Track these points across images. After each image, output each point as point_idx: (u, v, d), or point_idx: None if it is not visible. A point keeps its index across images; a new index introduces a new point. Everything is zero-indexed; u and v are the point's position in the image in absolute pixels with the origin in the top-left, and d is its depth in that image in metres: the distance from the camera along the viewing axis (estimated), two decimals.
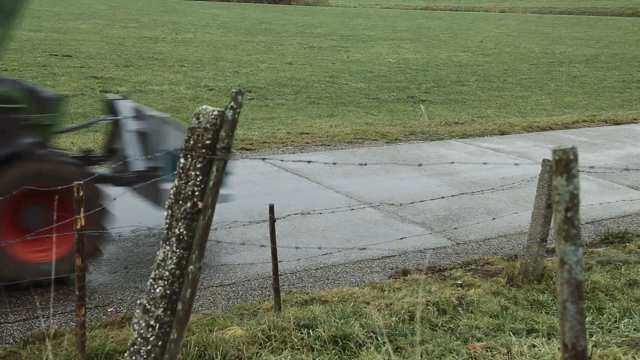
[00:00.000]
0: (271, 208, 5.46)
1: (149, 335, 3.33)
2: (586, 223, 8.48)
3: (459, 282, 6.34)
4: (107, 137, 7.70)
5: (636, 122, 15.27)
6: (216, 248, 7.12)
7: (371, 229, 7.98)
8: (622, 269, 6.67)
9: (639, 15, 61.77)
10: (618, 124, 15.16)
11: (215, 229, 7.17)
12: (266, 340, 4.91)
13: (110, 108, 7.47)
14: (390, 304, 5.63)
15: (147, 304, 3.37)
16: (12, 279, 5.71)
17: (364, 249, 6.75)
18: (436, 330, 5.20)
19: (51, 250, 5.79)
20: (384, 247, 7.14)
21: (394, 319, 5.35)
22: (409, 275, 6.50)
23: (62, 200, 5.48)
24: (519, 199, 9.36)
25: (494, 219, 8.42)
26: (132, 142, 7.07)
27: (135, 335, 3.36)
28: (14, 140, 6.02)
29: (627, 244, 7.56)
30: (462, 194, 8.68)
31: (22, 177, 5.76)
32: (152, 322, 3.34)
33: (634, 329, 5.12)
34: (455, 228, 8.20)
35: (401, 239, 7.40)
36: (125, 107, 7.31)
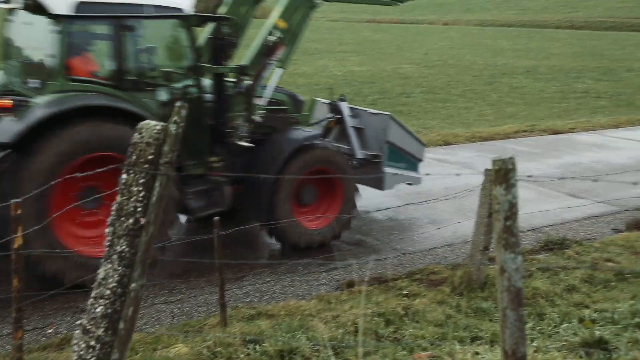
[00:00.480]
0: (216, 222, 5.42)
1: (89, 357, 3.26)
2: (527, 230, 8.67)
3: (405, 292, 6.39)
4: (324, 132, 8.96)
5: (574, 132, 15.70)
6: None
7: None
8: (562, 275, 6.84)
9: (575, 28, 63.78)
10: (557, 133, 15.56)
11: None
12: (212, 357, 4.86)
13: (333, 109, 9.06)
14: (337, 316, 5.64)
15: (87, 325, 3.30)
16: (296, 244, 7.50)
17: (310, 263, 6.76)
18: (382, 341, 5.23)
19: (319, 221, 7.71)
20: (331, 259, 7.16)
21: (340, 331, 5.36)
22: (354, 287, 6.53)
23: (331, 181, 7.68)
24: (463, 208, 9.49)
25: (438, 228, 8.53)
26: (353, 136, 8.78)
27: (75, 357, 3.28)
28: (300, 132, 7.89)
29: (566, 250, 7.76)
30: (407, 204, 8.78)
31: (313, 161, 7.64)
32: (92, 343, 3.27)
33: (573, 333, 5.25)
34: (400, 238, 8.28)
35: (347, 250, 7.43)
36: (345, 107, 9.11)
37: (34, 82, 6.57)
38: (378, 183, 8.75)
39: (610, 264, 7.26)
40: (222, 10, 8.24)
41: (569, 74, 28.92)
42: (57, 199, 6.01)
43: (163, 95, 6.91)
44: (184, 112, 3.26)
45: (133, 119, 5.46)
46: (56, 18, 6.37)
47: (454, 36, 48.69)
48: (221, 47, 7.37)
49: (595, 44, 45.45)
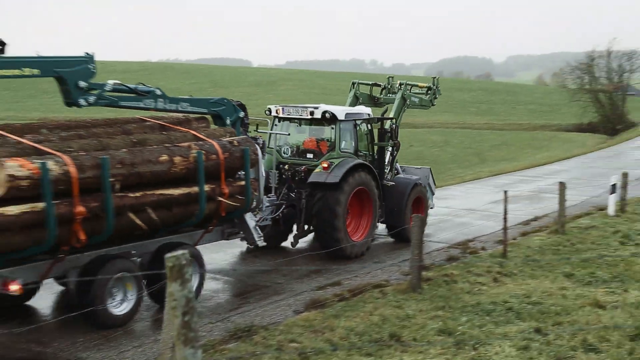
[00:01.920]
0: None
1: None
2: (217, 322, 8.82)
3: None
4: None
5: None
6: None
7: None
8: None
9: None
10: None
11: None
12: None
13: None
14: None
15: None
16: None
17: None
18: None
19: None
20: None
21: None
22: None
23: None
24: (153, 305, 9.33)
25: (124, 328, 8.22)
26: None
27: None
28: (410, 177, 14.72)
29: (254, 336, 8.03)
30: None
31: (416, 193, 14.31)
32: None
33: None
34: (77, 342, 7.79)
35: None
36: None
37: (309, 154, 13.11)
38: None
39: (294, 344, 7.68)
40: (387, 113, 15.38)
41: None
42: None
43: (367, 157, 13.56)
44: None
45: (366, 169, 12.76)
46: (338, 121, 12.72)
47: None
48: (385, 133, 13.72)
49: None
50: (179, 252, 2.51)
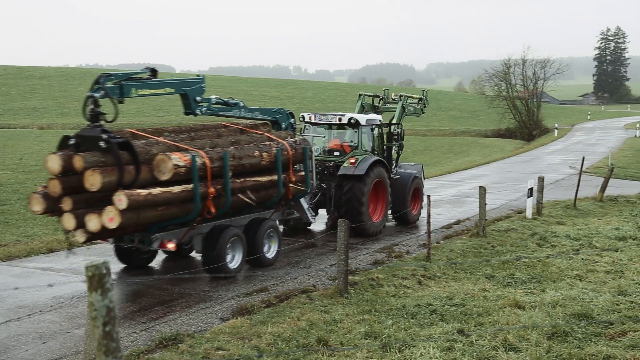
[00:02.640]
0: None
1: None
2: (141, 331, 8.62)
3: None
4: None
5: None
6: None
7: None
8: None
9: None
10: None
11: None
12: None
13: None
14: None
15: None
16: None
17: None
18: None
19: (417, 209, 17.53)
20: None
21: None
22: None
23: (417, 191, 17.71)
24: (74, 316, 9.05)
25: (44, 342, 7.94)
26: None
27: None
28: (410, 171, 17.64)
29: (180, 344, 7.89)
30: (9, 321, 8.02)
31: (415, 184, 17.44)
32: None
33: None
34: None
35: None
36: None
37: (336, 153, 15.84)
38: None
39: (221, 352, 7.59)
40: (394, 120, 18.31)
41: None
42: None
43: (379, 155, 16.13)
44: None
45: (382, 164, 15.52)
46: (360, 126, 15.50)
47: (51, 140, 47.29)
48: (392, 135, 16.47)
49: None
50: (99, 261, 2.42)
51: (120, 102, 10.39)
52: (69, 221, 9.63)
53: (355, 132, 15.80)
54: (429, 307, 9.30)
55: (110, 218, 9.44)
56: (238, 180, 11.30)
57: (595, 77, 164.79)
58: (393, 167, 16.83)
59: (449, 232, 16.07)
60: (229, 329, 8.44)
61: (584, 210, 19.36)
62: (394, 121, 18.00)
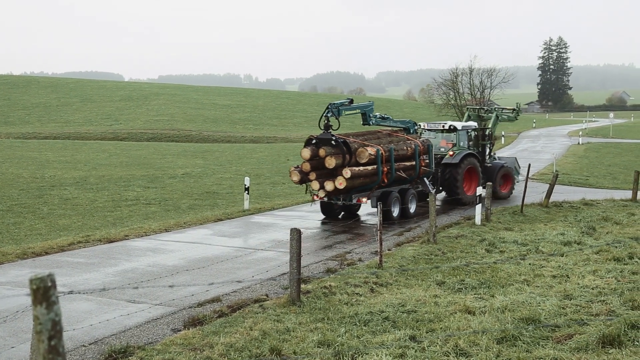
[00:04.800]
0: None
1: None
2: (90, 344, 8.43)
3: None
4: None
5: (128, 238, 16.05)
6: None
7: None
8: None
9: (119, 139, 66.30)
10: (112, 241, 15.69)
11: None
12: None
13: None
14: None
15: None
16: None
17: None
18: None
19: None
20: None
21: None
22: None
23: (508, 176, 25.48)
24: (19, 330, 8.79)
25: None
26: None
27: None
28: (499, 161, 25.92)
29: (130, 357, 7.74)
30: None
31: (504, 171, 24.97)
32: None
33: None
34: None
35: None
36: None
37: (444, 150, 23.15)
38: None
39: None
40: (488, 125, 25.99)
41: (118, 182, 29.73)
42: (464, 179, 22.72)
43: (475, 150, 23.91)
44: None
45: (473, 156, 23.15)
46: (457, 131, 23.18)
47: None
48: (485, 135, 24.47)
49: (139, 153, 47.86)
50: (44, 273, 2.36)
51: (337, 118, 19.02)
52: (315, 185, 18.17)
53: (455, 134, 23.12)
54: (381, 314, 9.35)
55: (340, 182, 17.68)
56: (397, 164, 19.18)
57: (539, 86, 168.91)
58: (487, 158, 24.36)
59: (400, 239, 16.19)
60: (180, 340, 8.32)
61: (531, 216, 19.77)
62: (488, 126, 25.50)
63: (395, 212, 18.87)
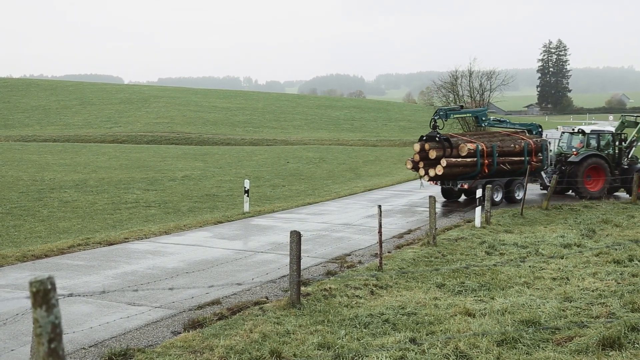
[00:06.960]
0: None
1: None
2: (90, 347, 8.42)
3: None
4: None
5: (128, 241, 16.05)
6: None
7: None
8: None
9: (119, 142, 66.32)
10: (111, 244, 15.69)
11: None
12: None
13: None
14: None
15: None
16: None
17: None
18: None
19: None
20: None
21: None
22: None
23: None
24: (19, 333, 8.78)
25: None
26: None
27: None
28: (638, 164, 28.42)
29: (130, 359, 7.73)
30: None
31: None
32: None
33: None
34: None
35: None
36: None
37: (572, 150, 26.79)
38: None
39: None
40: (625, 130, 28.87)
41: (118, 185, 29.74)
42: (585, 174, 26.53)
43: (610, 152, 27.21)
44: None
45: (598, 157, 26.37)
46: (586, 134, 26.83)
47: None
48: (622, 140, 27.68)
49: (139, 156, 47.87)
50: (44, 276, 2.35)
51: (444, 121, 23.94)
52: (422, 171, 23.26)
53: (584, 137, 26.58)
54: (381, 316, 9.34)
55: (439, 170, 22.29)
56: (500, 158, 23.38)
57: (539, 89, 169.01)
58: (624, 160, 27.15)
59: (400, 241, 16.19)
60: (180, 342, 8.31)
61: (531, 218, 19.78)
62: (633, 132, 28.02)
63: (497, 197, 23.27)
